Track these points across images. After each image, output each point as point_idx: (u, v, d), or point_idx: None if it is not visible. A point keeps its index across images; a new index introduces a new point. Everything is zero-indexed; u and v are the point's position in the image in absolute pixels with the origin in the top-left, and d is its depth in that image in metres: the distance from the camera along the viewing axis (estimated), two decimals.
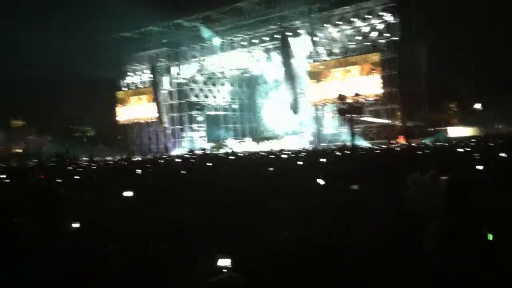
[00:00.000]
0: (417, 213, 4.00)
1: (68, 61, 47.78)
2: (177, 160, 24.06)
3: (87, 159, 32.81)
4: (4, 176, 14.45)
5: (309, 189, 6.38)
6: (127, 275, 3.35)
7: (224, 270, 3.10)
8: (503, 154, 11.25)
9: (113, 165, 23.65)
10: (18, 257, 3.34)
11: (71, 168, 20.52)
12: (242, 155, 26.25)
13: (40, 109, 57.00)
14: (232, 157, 21.59)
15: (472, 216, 3.41)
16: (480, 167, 7.87)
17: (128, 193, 6.50)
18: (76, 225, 4.19)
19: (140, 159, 33.03)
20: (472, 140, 25.65)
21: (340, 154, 19.14)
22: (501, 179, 6.07)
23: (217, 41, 47.25)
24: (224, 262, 3.15)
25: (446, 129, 46.19)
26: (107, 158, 38.16)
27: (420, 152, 16.28)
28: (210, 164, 15.35)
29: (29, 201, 4.67)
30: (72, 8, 46.60)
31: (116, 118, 55.13)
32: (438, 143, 24.87)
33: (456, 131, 43.66)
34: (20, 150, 63.68)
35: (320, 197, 5.48)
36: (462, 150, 16.08)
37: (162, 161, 24.09)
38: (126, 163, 24.17)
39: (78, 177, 12.97)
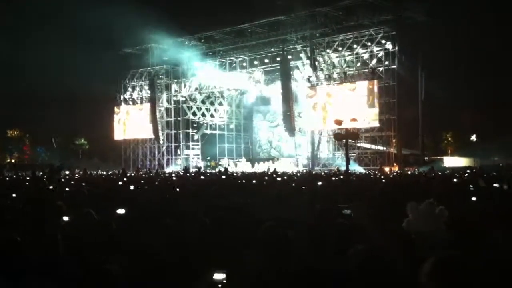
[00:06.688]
0: (415, 241, 4.03)
1: (69, 75, 47.92)
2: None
3: (81, 172, 32.61)
4: None
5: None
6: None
7: (219, 286, 3.14)
8: (496, 185, 11.41)
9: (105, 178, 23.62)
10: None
11: (63, 180, 20.40)
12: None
13: (38, 121, 56.99)
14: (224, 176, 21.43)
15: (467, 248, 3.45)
16: (474, 198, 7.97)
17: (121, 210, 6.43)
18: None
19: (133, 174, 32.97)
20: (467, 171, 25.76)
21: (335, 178, 19.15)
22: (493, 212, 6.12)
23: (217, 60, 47.56)
24: (220, 276, 3.19)
25: (442, 159, 46.47)
26: (102, 172, 38.07)
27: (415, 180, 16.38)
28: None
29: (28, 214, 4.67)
30: (75, 23, 46.91)
31: (113, 133, 54.94)
32: (433, 173, 24.94)
33: (451, 161, 43.92)
34: (13, 161, 63.53)
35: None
36: (456, 180, 16.25)
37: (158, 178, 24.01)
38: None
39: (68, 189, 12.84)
